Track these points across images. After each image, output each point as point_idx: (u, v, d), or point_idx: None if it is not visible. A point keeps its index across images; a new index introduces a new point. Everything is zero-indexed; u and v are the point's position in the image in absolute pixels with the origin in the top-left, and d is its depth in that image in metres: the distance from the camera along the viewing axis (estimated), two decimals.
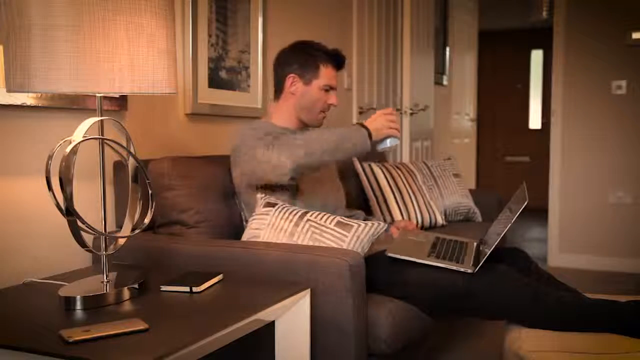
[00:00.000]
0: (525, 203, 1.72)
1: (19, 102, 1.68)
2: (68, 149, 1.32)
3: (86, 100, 1.88)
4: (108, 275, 1.47)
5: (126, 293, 1.43)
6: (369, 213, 2.83)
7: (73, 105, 1.85)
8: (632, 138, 4.15)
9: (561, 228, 4.34)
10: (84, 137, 1.35)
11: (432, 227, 2.91)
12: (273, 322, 1.58)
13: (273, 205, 1.88)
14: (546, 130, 7.08)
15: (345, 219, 1.83)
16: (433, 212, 2.91)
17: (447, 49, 5.32)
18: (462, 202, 3.13)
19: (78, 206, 1.64)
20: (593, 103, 4.24)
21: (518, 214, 1.73)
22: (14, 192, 1.71)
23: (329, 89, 2.08)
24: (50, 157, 1.38)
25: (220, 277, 1.59)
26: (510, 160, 7.71)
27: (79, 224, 1.37)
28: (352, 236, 1.77)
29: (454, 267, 1.79)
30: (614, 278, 3.98)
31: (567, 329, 1.68)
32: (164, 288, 1.50)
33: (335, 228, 1.79)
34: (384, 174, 2.91)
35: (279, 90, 2.11)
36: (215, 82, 2.49)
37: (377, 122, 1.87)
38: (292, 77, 2.06)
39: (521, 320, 1.73)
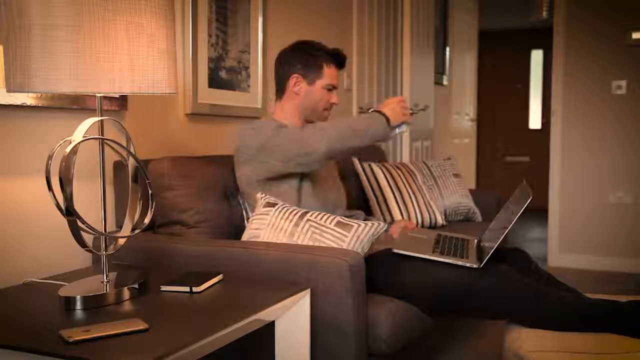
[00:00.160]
0: (530, 199, 1.73)
1: (19, 102, 1.68)
2: (68, 149, 1.32)
3: (86, 100, 1.88)
4: (108, 275, 1.47)
5: (126, 293, 1.43)
6: (368, 213, 2.83)
7: (73, 105, 1.85)
8: (632, 138, 4.15)
9: (561, 228, 4.34)
10: (84, 137, 1.35)
11: (432, 227, 2.91)
12: (273, 322, 1.58)
13: (273, 205, 1.88)
14: (546, 130, 7.08)
15: (345, 219, 1.83)
16: (433, 212, 2.91)
17: (447, 49, 5.32)
18: (462, 202, 3.14)
19: (78, 206, 1.64)
20: (593, 103, 4.24)
21: (524, 208, 1.74)
22: (14, 192, 1.71)
23: (331, 88, 2.12)
24: (50, 157, 1.38)
25: (220, 277, 1.59)
26: (510, 160, 7.71)
27: (79, 224, 1.37)
28: (352, 236, 1.77)
29: (460, 263, 1.80)
30: (614, 278, 3.98)
31: (567, 329, 1.68)
32: (164, 288, 1.50)
33: (335, 228, 1.79)
34: (384, 174, 2.91)
35: (281, 90, 2.13)
36: (215, 82, 2.49)
37: (394, 109, 1.98)
38: (296, 77, 2.08)
39: (521, 320, 1.73)
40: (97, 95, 1.42)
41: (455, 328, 2.89)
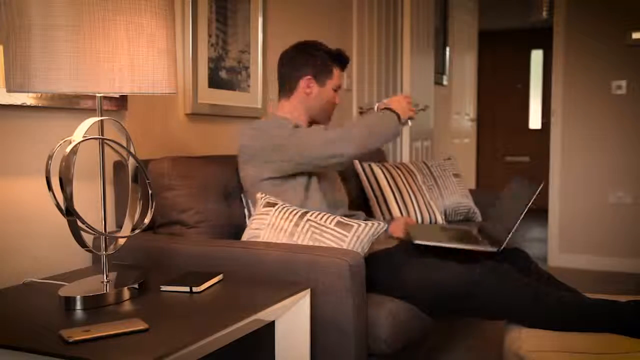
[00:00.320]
0: (542, 185, 1.76)
1: (19, 102, 1.68)
2: (68, 149, 1.32)
3: (86, 100, 1.88)
4: (108, 275, 1.47)
5: (126, 293, 1.43)
6: (369, 213, 2.83)
7: (73, 105, 1.85)
8: (632, 138, 4.15)
9: (561, 228, 4.34)
10: (84, 137, 1.35)
11: None
12: (273, 322, 1.58)
13: (273, 205, 1.88)
14: (546, 130, 7.08)
15: (346, 219, 1.83)
16: (433, 212, 2.91)
17: (447, 49, 5.32)
18: (462, 202, 3.14)
19: (78, 206, 1.64)
20: (593, 103, 4.24)
21: (535, 196, 1.75)
22: (14, 192, 1.71)
23: (337, 88, 2.17)
24: (50, 157, 1.38)
25: (220, 277, 1.59)
26: (510, 160, 7.71)
27: (79, 224, 1.37)
28: (352, 236, 1.77)
29: (482, 248, 1.83)
30: (614, 278, 3.98)
31: (567, 329, 1.68)
32: (164, 288, 1.50)
33: (336, 228, 1.79)
34: (384, 174, 2.91)
35: (289, 89, 2.14)
36: (215, 82, 2.49)
37: (402, 105, 2.05)
38: (308, 80, 2.11)
39: (521, 320, 1.73)
40: (97, 95, 1.42)
41: (455, 328, 2.89)
